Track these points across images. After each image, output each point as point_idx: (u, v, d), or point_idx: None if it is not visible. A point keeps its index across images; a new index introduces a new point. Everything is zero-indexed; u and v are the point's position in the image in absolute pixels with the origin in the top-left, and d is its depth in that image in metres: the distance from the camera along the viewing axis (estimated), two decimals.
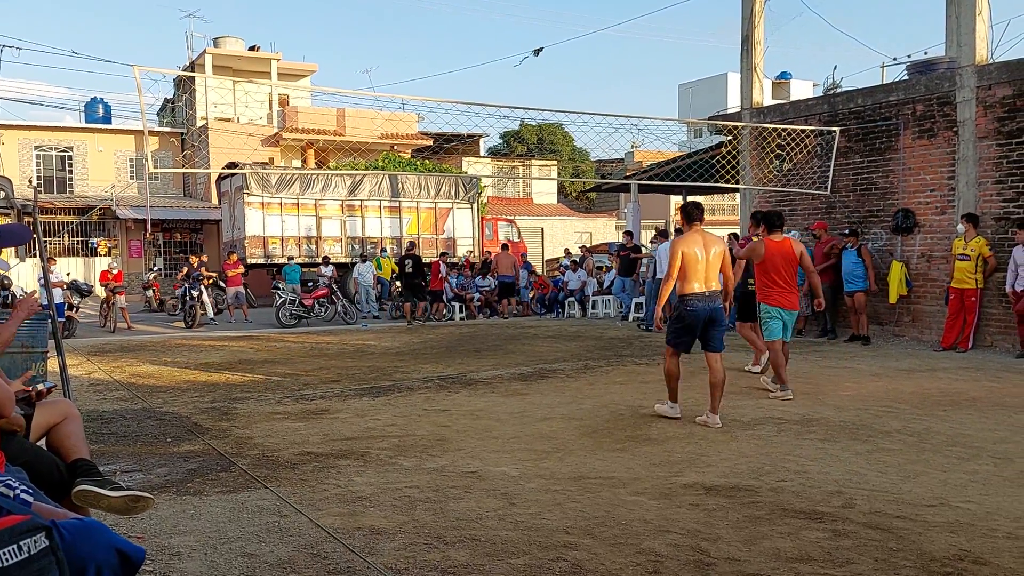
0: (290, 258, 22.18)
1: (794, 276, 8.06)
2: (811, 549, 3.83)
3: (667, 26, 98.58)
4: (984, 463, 5.36)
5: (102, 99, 33.79)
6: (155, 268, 27.53)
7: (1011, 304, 10.94)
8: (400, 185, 24.97)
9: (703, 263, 6.77)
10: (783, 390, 7.89)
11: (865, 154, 13.15)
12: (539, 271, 27.41)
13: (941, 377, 9.12)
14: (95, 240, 30.48)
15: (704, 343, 6.91)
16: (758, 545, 3.88)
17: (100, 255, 29.88)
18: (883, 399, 7.73)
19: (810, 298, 13.31)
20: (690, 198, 24.68)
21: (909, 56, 16.82)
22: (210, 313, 18.08)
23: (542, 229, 37.33)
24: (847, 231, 12.66)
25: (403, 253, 19.01)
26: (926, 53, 15.73)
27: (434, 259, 19.44)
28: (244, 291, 19.34)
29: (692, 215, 7.00)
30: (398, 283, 21.32)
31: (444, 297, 18.71)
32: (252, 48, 35.12)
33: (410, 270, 17.43)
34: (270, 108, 34.21)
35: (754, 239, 9.90)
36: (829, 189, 13.42)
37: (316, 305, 17.74)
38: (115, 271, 17.72)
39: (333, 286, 18.43)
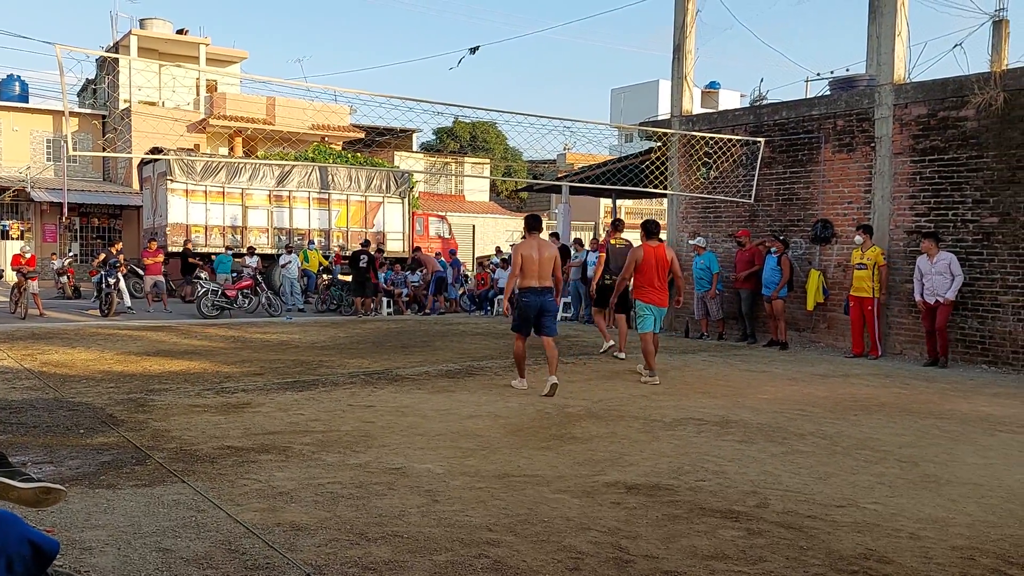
0: (228, 248, 21.74)
1: (665, 278, 9.24)
2: (726, 547, 3.94)
3: (603, 31, 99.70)
4: (890, 466, 5.59)
5: (19, 76, 32.48)
6: (70, 253, 26.59)
7: (920, 315, 11.37)
8: (330, 177, 24.68)
9: (537, 264, 8.16)
10: (651, 375, 8.99)
11: (788, 165, 13.54)
12: (471, 268, 27.52)
13: (853, 383, 9.46)
14: (7, 223, 29.34)
15: (537, 329, 8.34)
16: (676, 543, 3.98)
17: (12, 238, 28.75)
18: (798, 403, 7.99)
19: (719, 303, 13.79)
20: (619, 201, 25.05)
21: (832, 72, 17.37)
22: (127, 301, 17.53)
23: (473, 226, 37.36)
24: (780, 237, 13.03)
25: (358, 248, 18.88)
26: (848, 70, 16.26)
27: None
28: (164, 280, 18.84)
29: (532, 225, 8.43)
30: (325, 276, 21.09)
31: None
32: (180, 31, 34.20)
33: (363, 265, 17.71)
34: (197, 94, 33.37)
35: (613, 242, 11.38)
36: (753, 198, 13.77)
37: (239, 296, 17.38)
38: (28, 255, 17.06)
39: (258, 277, 18.09)
